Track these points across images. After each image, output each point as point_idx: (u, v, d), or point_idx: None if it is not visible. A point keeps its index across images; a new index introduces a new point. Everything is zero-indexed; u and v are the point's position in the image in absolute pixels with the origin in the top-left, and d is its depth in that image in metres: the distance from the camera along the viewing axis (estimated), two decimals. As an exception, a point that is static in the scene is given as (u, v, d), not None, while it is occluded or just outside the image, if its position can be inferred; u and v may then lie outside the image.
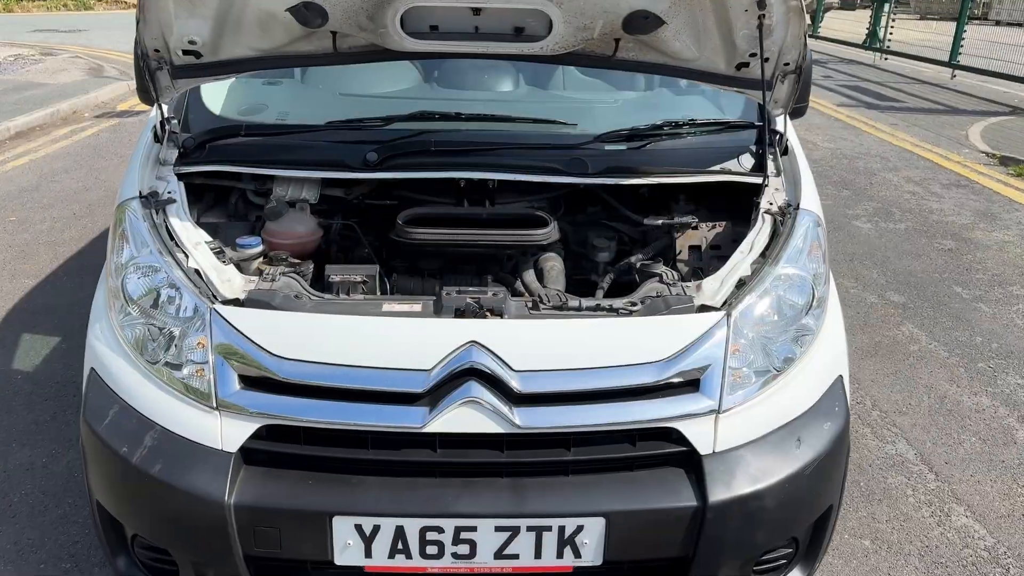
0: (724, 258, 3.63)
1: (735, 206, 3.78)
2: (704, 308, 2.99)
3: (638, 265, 3.33)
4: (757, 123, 3.86)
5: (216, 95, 3.92)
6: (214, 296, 2.95)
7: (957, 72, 18.34)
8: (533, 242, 3.31)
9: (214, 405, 2.75)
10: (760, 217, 3.40)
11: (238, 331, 2.80)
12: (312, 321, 2.83)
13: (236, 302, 2.93)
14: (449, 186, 3.58)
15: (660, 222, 3.66)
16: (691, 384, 2.81)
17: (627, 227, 3.86)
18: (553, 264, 3.49)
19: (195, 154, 3.58)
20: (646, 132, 3.66)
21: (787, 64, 3.36)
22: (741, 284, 3.09)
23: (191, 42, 3.23)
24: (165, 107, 3.64)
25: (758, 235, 3.30)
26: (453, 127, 3.68)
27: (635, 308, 2.96)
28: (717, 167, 3.67)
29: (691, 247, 3.69)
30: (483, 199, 3.59)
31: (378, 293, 3.17)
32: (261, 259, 3.29)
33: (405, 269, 3.52)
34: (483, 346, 2.74)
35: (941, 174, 10.73)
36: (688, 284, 3.15)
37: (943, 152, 11.93)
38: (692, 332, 2.86)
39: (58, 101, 13.44)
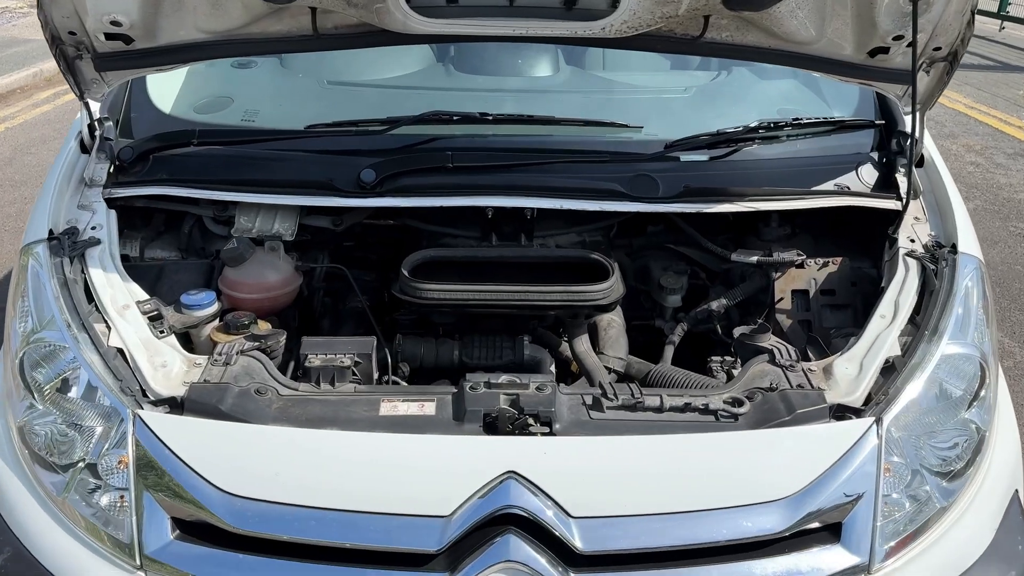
0: (838, 308, 2.74)
1: (848, 232, 2.86)
2: (841, 410, 2.10)
3: (736, 334, 2.42)
4: (878, 121, 2.91)
5: (167, 86, 3.00)
6: (143, 391, 2.08)
7: (1006, 24, 17.05)
8: (590, 302, 2.40)
9: (137, 563, 1.90)
10: (900, 261, 2.47)
11: (171, 451, 1.93)
12: (278, 438, 1.96)
13: (172, 403, 2.06)
14: (472, 213, 2.66)
15: (755, 259, 2.73)
16: (829, 531, 1.93)
17: (697, 252, 2.95)
18: (612, 321, 2.59)
19: (135, 169, 2.68)
20: (735, 136, 2.72)
21: (938, 49, 2.42)
22: (887, 367, 2.19)
23: (115, 23, 2.31)
24: (95, 106, 2.73)
25: (901, 290, 2.38)
26: (477, 131, 2.75)
27: (742, 411, 2.06)
28: (831, 183, 2.73)
29: (795, 291, 2.77)
30: (518, 230, 2.68)
31: (375, 375, 2.28)
32: (216, 322, 2.41)
33: (412, 323, 2.63)
34: (525, 479, 1.87)
35: (1004, 141, 9.66)
36: (811, 367, 2.25)
37: (1001, 115, 10.82)
38: (828, 452, 1.98)
39: (43, 60, 12.45)
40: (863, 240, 2.83)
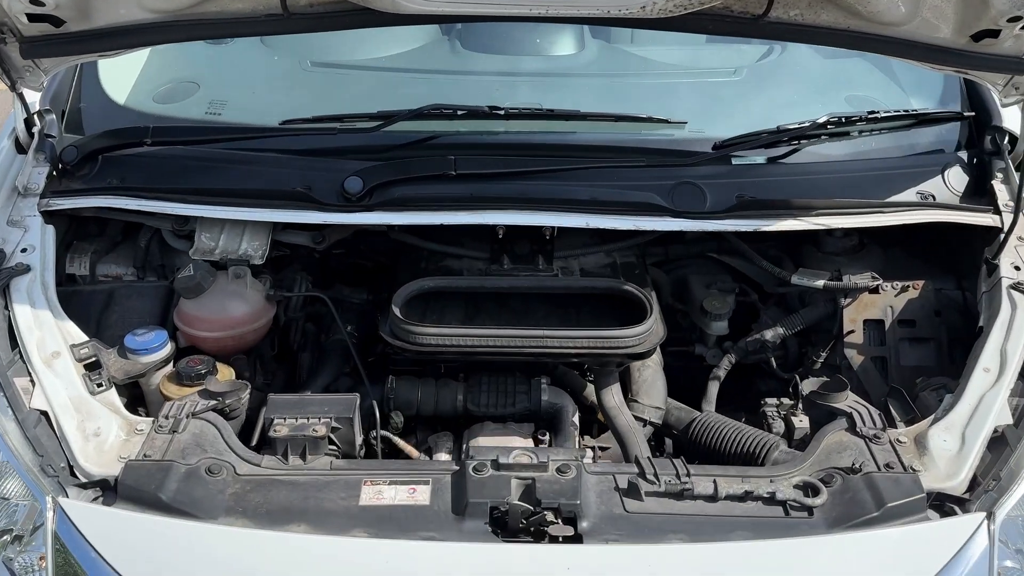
0: (919, 342, 2.28)
1: (928, 243, 2.39)
2: (941, 499, 1.66)
3: (803, 389, 1.97)
4: (967, 113, 2.42)
5: (122, 70, 2.54)
6: (71, 467, 1.68)
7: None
8: (623, 350, 1.96)
9: None
10: (1004, 296, 2.01)
11: (98, 554, 1.53)
12: (230, 542, 1.55)
13: (104, 485, 1.66)
14: (479, 228, 2.21)
15: (821, 284, 2.27)
16: (930, 665, 1.52)
17: (744, 262, 2.49)
18: (647, 367, 2.15)
19: (80, 172, 2.25)
20: (801, 133, 2.24)
21: None
22: (996, 438, 1.75)
23: (36, 2, 1.87)
24: (33, 97, 2.29)
25: (1008, 335, 1.92)
26: (486, 128, 2.29)
27: (818, 502, 1.63)
28: (912, 192, 2.26)
29: (867, 321, 2.31)
30: (535, 252, 2.23)
31: (358, 438, 1.85)
32: (170, 367, 1.99)
33: (408, 359, 2.19)
34: None
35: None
36: (900, 436, 1.80)
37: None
38: (928, 560, 1.55)
39: None
40: (947, 254, 2.36)
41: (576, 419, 2.11)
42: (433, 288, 2.09)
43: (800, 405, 2.17)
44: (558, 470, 1.65)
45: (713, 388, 2.36)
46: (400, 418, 2.09)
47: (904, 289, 2.30)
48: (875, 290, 2.30)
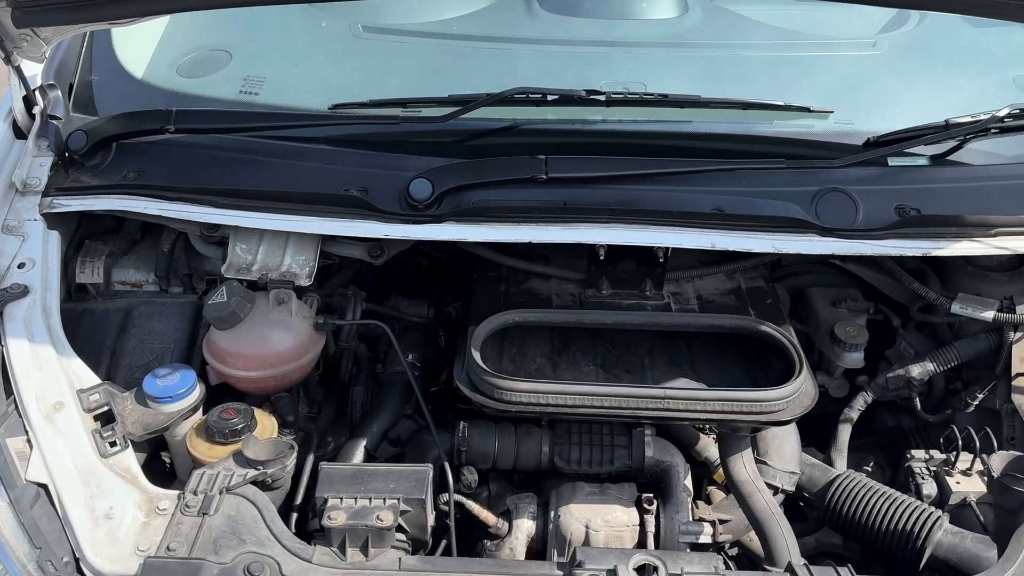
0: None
1: None
2: None
3: (994, 466, 1.56)
4: None
5: (138, 37, 2.13)
6: (76, 564, 1.35)
7: None
8: (763, 416, 1.56)
9: None
10: None
11: None
12: None
13: None
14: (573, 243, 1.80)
15: (991, 316, 1.85)
16: None
17: (878, 275, 2.08)
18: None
19: (92, 162, 1.87)
20: (972, 129, 1.79)
21: None
22: None
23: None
24: (35, 69, 1.91)
25: None
26: (581, 116, 1.87)
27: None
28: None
29: (1043, 364, 1.90)
30: (643, 274, 1.82)
31: (429, 526, 1.49)
32: (199, 414, 1.63)
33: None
34: None
35: None
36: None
37: None
38: None
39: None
40: None
41: (689, 481, 1.73)
42: (519, 323, 1.69)
43: (955, 464, 1.80)
44: (694, 585, 1.28)
45: (844, 434, 1.97)
46: (474, 475, 1.73)
47: (1094, 322, 1.88)
48: (1056, 324, 1.87)
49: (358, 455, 1.72)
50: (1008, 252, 1.73)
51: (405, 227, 1.71)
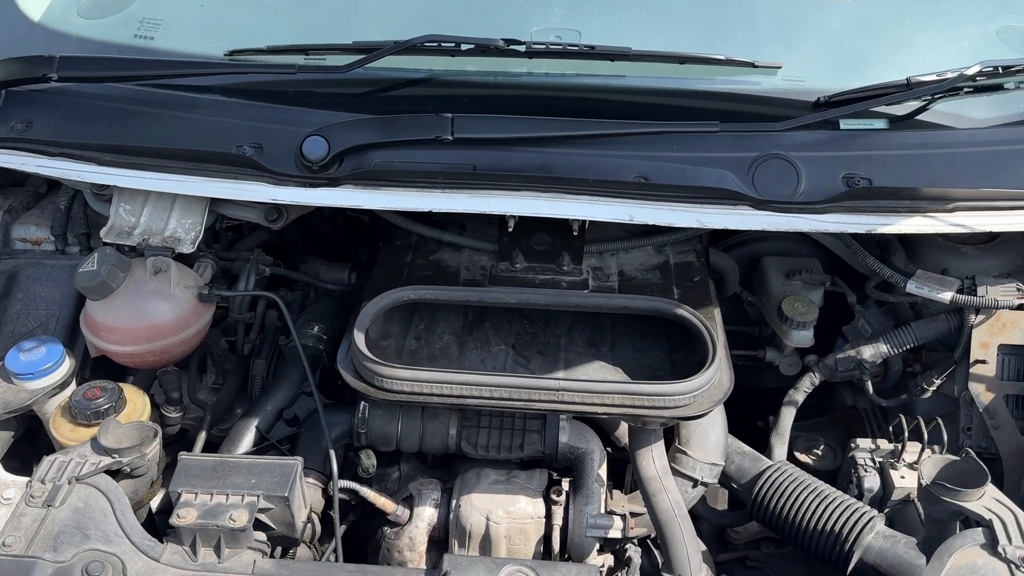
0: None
1: None
2: None
3: (923, 474, 1.41)
4: None
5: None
6: None
7: None
8: (669, 411, 1.41)
9: None
10: None
11: None
12: None
13: None
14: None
15: (948, 297, 1.68)
16: None
17: (840, 244, 1.91)
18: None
19: None
20: (937, 88, 1.60)
21: None
22: None
23: None
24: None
25: None
26: (498, 69, 1.69)
27: None
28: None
29: (1003, 347, 1.73)
30: (559, 248, 1.66)
31: (298, 525, 1.37)
32: (69, 391, 1.51)
33: None
34: None
35: None
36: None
37: None
38: None
39: None
40: None
41: (604, 470, 1.60)
42: (415, 300, 1.55)
43: (901, 456, 1.66)
44: (570, 602, 1.16)
45: (787, 418, 1.83)
46: (372, 459, 1.61)
47: (1060, 303, 1.70)
48: (1020, 306, 1.70)
49: (248, 436, 1.61)
50: (965, 230, 1.56)
51: (297, 191, 1.55)
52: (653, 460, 1.49)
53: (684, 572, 1.37)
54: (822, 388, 2.09)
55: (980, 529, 1.29)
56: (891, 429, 1.74)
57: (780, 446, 1.80)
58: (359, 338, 1.43)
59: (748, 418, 1.93)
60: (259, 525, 1.32)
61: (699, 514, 1.82)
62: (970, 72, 1.59)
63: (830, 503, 1.54)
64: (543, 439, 1.61)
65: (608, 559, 1.60)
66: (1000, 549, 1.25)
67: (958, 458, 1.38)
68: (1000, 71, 1.62)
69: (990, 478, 1.33)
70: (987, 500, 1.32)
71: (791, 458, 1.88)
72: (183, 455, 1.36)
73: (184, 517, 1.26)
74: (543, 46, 1.61)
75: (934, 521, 1.37)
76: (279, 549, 1.43)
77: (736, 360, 2.04)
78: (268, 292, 1.68)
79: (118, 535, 1.27)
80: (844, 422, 2.04)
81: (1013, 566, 1.24)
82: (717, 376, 1.43)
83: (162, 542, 1.28)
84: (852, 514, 1.52)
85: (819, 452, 1.92)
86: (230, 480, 1.31)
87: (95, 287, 1.51)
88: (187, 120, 1.64)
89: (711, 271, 1.94)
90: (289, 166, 1.56)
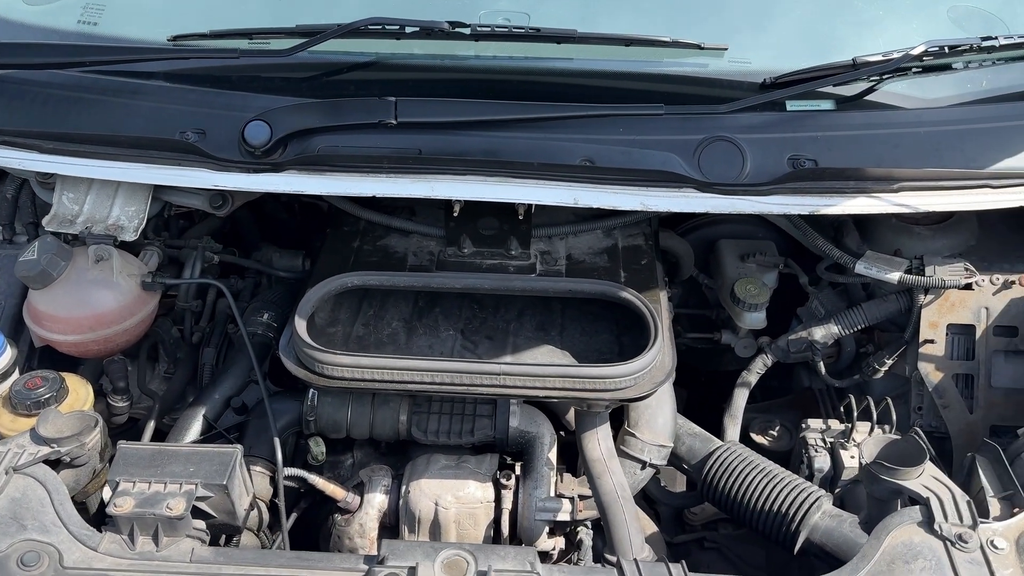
0: (1019, 356, 1.72)
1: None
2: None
3: (863, 452, 1.41)
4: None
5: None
6: None
7: None
8: (610, 394, 1.41)
9: None
10: None
11: None
12: None
13: None
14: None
15: (896, 277, 1.69)
16: None
17: (774, 235, 1.93)
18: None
19: None
20: (882, 68, 1.60)
21: None
22: None
23: None
24: None
25: None
26: (443, 52, 1.68)
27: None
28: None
29: (952, 327, 1.74)
30: (507, 232, 1.66)
31: (239, 512, 1.36)
32: (10, 381, 1.50)
33: None
34: None
35: None
36: (995, 536, 1.26)
37: None
38: None
39: None
40: None
41: (553, 454, 1.60)
42: (359, 286, 1.54)
43: (851, 437, 1.67)
44: (501, 587, 1.16)
45: (739, 399, 1.84)
46: (321, 447, 1.60)
47: (1007, 285, 1.71)
48: (968, 286, 1.71)
49: (195, 425, 1.60)
50: (910, 210, 1.56)
51: (239, 176, 1.54)
52: (599, 442, 1.49)
53: (626, 553, 1.38)
54: (782, 369, 2.12)
55: (918, 507, 1.30)
56: (842, 409, 1.74)
57: (733, 427, 1.81)
58: (300, 325, 1.43)
59: (710, 401, 1.93)
60: (200, 513, 1.31)
61: (655, 496, 1.83)
62: (916, 52, 1.58)
63: (778, 483, 1.55)
64: (494, 424, 1.60)
65: (559, 542, 1.60)
66: (936, 526, 1.26)
67: (898, 437, 1.39)
68: (946, 51, 1.62)
69: (929, 457, 1.34)
70: (925, 478, 1.33)
71: (747, 439, 1.90)
72: (122, 444, 1.35)
73: (121, 506, 1.25)
74: (488, 28, 1.60)
75: (875, 500, 1.38)
76: (223, 537, 1.43)
77: (694, 343, 2.07)
78: (213, 279, 1.66)
79: (55, 525, 1.26)
80: (800, 403, 2.05)
81: (949, 543, 1.25)
82: (659, 358, 1.43)
83: (100, 531, 1.27)
84: (799, 494, 1.53)
85: (775, 433, 1.93)
86: (168, 469, 1.30)
87: (36, 276, 1.49)
88: (130, 107, 1.63)
89: (666, 254, 1.95)
90: (232, 152, 1.55)
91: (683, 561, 1.23)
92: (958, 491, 1.31)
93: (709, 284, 2.00)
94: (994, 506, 1.38)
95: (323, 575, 1.21)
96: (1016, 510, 1.34)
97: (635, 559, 1.23)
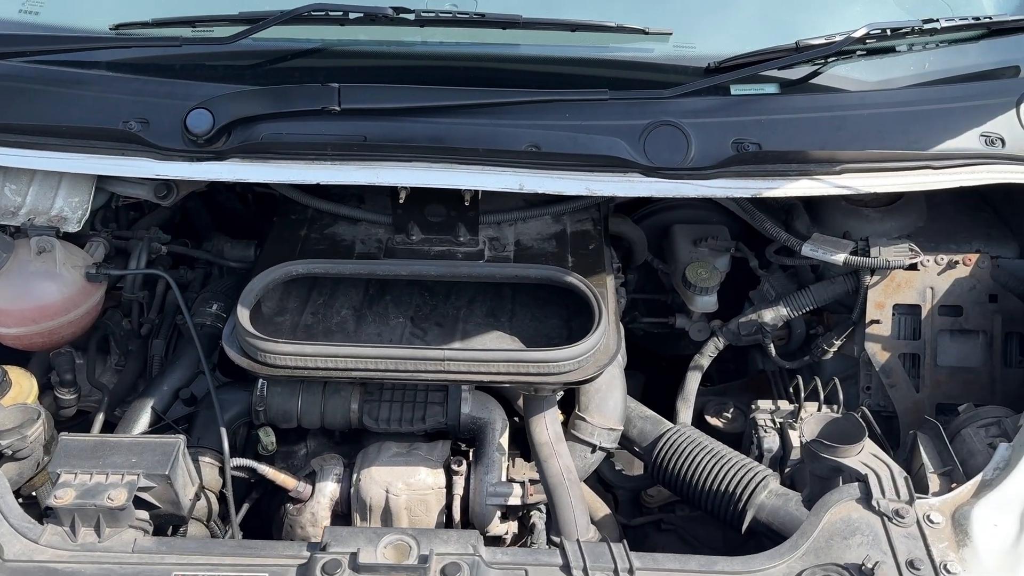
0: (965, 335, 1.76)
1: (980, 199, 1.83)
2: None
3: (803, 431, 1.43)
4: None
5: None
6: None
7: None
8: (554, 377, 1.42)
9: None
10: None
11: None
12: None
13: None
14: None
15: (841, 259, 1.71)
16: None
17: (727, 219, 1.95)
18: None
19: None
20: (825, 52, 1.61)
21: None
22: None
23: None
24: None
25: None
26: (390, 37, 1.67)
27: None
28: (975, 135, 1.64)
29: (898, 307, 1.77)
30: (454, 219, 1.66)
31: (184, 503, 1.36)
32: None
33: None
34: None
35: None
36: (931, 511, 1.29)
37: None
38: None
39: None
40: (1010, 210, 1.80)
41: (505, 439, 1.61)
42: (303, 274, 1.54)
43: (799, 417, 1.69)
44: (443, 573, 1.16)
45: (692, 382, 1.86)
46: (271, 437, 1.60)
47: (951, 265, 1.74)
48: (913, 266, 1.73)
49: (143, 417, 1.59)
50: (851, 192, 1.58)
51: (181, 165, 1.53)
52: (546, 426, 1.50)
53: (570, 534, 1.39)
54: (739, 353, 2.14)
55: (856, 484, 1.32)
56: (791, 390, 1.77)
57: (685, 410, 1.82)
58: (243, 314, 1.42)
59: (673, 385, 1.95)
60: (143, 504, 1.31)
61: (610, 480, 1.85)
62: (858, 35, 1.60)
63: (725, 464, 1.57)
64: (445, 411, 1.61)
65: (512, 526, 1.61)
66: (874, 502, 1.29)
67: (839, 416, 1.41)
68: (888, 33, 1.64)
69: (870, 434, 1.36)
70: (864, 456, 1.35)
71: (702, 422, 1.92)
72: (63, 436, 1.34)
73: (62, 497, 1.24)
74: (433, 14, 1.59)
75: (816, 477, 1.40)
76: (171, 528, 1.42)
77: (650, 328, 2.08)
78: (159, 270, 1.65)
79: (-2, 519, 1.25)
80: (755, 386, 2.08)
81: (886, 518, 1.27)
82: (604, 341, 1.44)
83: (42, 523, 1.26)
84: (746, 474, 1.55)
85: (728, 415, 1.95)
86: (110, 460, 1.30)
87: (-23, 266, 1.48)
88: (73, 96, 1.61)
89: (619, 240, 1.96)
90: (175, 140, 1.54)
91: (624, 540, 1.24)
92: (896, 467, 1.33)
93: (663, 269, 2.02)
94: (934, 482, 1.41)
95: (265, 563, 1.21)
96: (954, 485, 1.37)
97: (578, 540, 1.24)
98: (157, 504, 1.32)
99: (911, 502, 1.29)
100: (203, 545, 1.26)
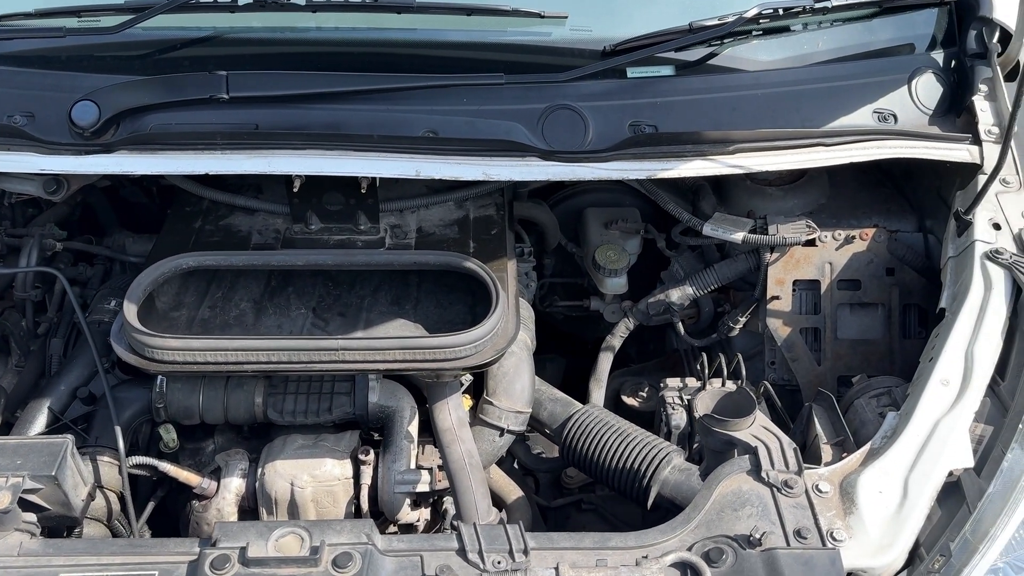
0: (863, 308, 1.82)
1: (881, 173, 1.87)
2: None
3: (697, 407, 1.45)
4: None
5: None
6: None
7: None
8: (451, 363, 1.42)
9: None
10: (976, 267, 1.50)
11: None
12: None
13: None
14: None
15: (739, 237, 1.74)
16: None
17: (639, 202, 1.97)
18: (509, 355, 1.60)
19: None
20: (717, 33, 1.63)
21: None
22: (951, 484, 1.29)
23: None
24: None
25: (978, 329, 1.42)
26: (281, 24, 1.64)
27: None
28: (868, 111, 1.68)
29: (798, 282, 1.80)
30: (353, 207, 1.64)
31: (76, 503, 1.33)
32: None
33: None
34: None
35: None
36: (820, 480, 1.32)
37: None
38: None
39: None
40: (908, 184, 1.85)
41: (414, 427, 1.61)
42: (194, 267, 1.51)
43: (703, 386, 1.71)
44: (335, 563, 1.16)
45: (604, 363, 1.88)
46: (172, 434, 1.57)
47: (848, 241, 1.78)
48: (811, 242, 1.77)
49: (40, 418, 1.55)
50: (744, 171, 1.60)
51: (67, 159, 1.49)
52: (449, 412, 1.50)
53: (471, 519, 1.39)
54: (657, 333, 2.16)
55: (747, 456, 1.35)
56: (698, 367, 1.79)
57: (597, 390, 1.84)
58: (129, 309, 1.39)
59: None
60: (31, 506, 1.28)
61: (526, 463, 1.86)
62: (750, 15, 1.62)
63: (631, 442, 1.59)
64: (353, 401, 1.59)
65: (424, 514, 1.61)
66: (764, 474, 1.31)
67: (732, 390, 1.44)
68: (780, 12, 1.66)
69: (758, 407, 1.39)
70: (755, 428, 1.38)
71: (619, 402, 1.94)
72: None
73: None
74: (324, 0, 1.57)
75: (711, 451, 1.42)
76: (65, 530, 1.39)
77: (568, 311, 2.09)
78: (51, 268, 1.61)
79: None
80: (670, 364, 2.10)
81: (775, 489, 1.30)
82: (502, 324, 1.44)
83: (-76, 531, 1.23)
84: (650, 451, 1.56)
85: (644, 395, 1.97)
86: (-5, 462, 1.26)
87: None
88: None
89: (532, 224, 1.96)
90: (61, 134, 1.50)
91: (520, 523, 1.25)
92: (786, 439, 1.36)
93: (577, 252, 2.03)
94: (826, 452, 1.44)
95: (155, 560, 1.19)
96: (845, 455, 1.40)
97: (474, 524, 1.24)
98: (46, 506, 1.29)
99: (800, 472, 1.32)
100: (92, 545, 1.24)
